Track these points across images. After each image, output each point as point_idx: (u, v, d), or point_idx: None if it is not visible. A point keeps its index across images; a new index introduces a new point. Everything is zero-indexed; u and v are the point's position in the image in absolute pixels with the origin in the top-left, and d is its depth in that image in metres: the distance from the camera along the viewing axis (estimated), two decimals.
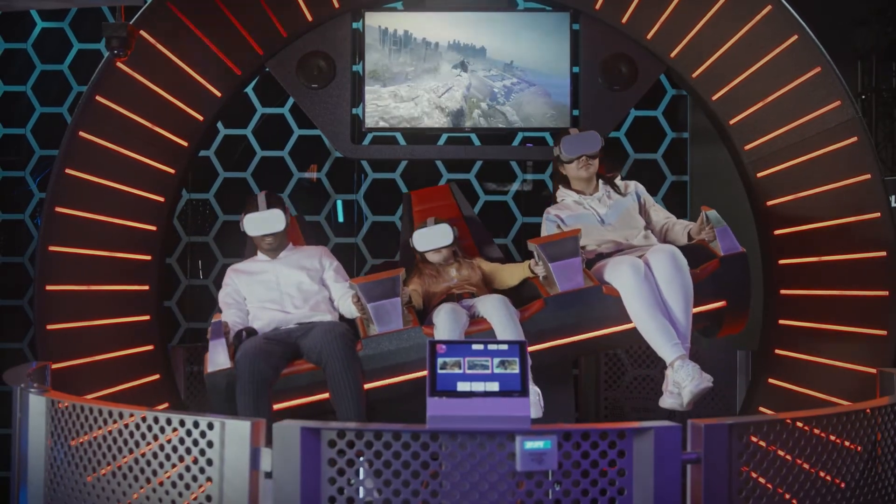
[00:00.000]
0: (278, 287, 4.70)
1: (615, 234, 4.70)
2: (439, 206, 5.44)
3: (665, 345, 4.14)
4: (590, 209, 4.80)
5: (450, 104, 5.78)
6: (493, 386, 3.08)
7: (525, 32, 5.77)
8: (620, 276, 4.26)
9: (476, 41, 5.78)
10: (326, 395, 4.24)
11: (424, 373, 4.12)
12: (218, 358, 4.26)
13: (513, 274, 4.74)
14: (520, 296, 4.61)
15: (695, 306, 4.27)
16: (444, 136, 6.78)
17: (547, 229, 4.81)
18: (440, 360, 3.12)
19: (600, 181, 4.89)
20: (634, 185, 4.94)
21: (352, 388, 4.14)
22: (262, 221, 4.72)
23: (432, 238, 4.82)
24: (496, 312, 4.26)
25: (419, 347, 4.25)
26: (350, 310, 4.57)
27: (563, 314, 4.32)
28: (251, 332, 4.47)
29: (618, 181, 4.96)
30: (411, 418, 3.20)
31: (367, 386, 4.25)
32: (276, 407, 4.21)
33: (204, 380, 4.30)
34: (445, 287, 4.72)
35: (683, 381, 4.05)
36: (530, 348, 4.19)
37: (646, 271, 4.25)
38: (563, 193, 4.92)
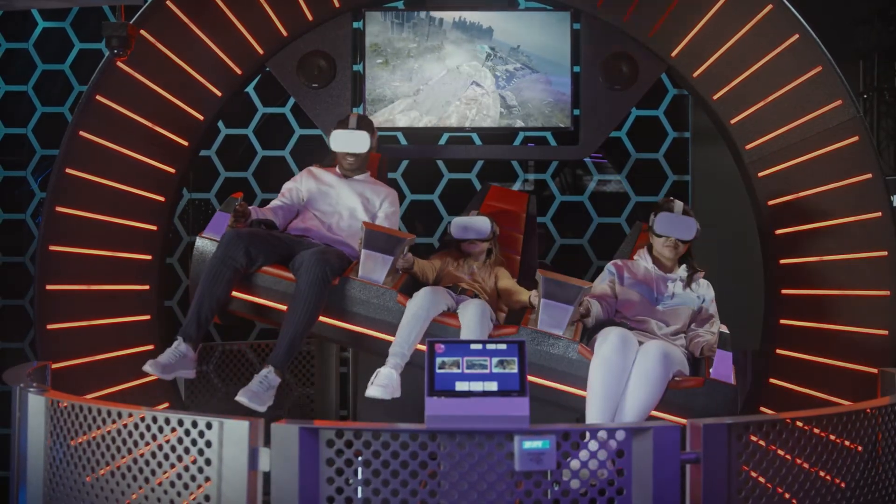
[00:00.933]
0: (335, 205, 4.79)
1: (661, 318, 4.44)
2: (510, 211, 5.42)
3: (595, 416, 3.87)
4: (652, 286, 4.53)
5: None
6: (492, 385, 3.08)
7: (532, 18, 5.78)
8: (604, 342, 4.02)
9: (483, 21, 5.75)
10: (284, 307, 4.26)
11: (378, 334, 4.24)
12: (214, 227, 4.37)
13: (520, 297, 4.66)
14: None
15: (655, 410, 3.95)
16: (446, 136, 6.78)
17: (601, 276, 4.64)
18: (438, 360, 3.12)
19: (683, 265, 4.61)
20: (707, 291, 4.60)
21: (307, 311, 4.13)
22: (349, 139, 4.83)
23: (469, 228, 4.85)
24: (469, 315, 4.19)
25: (384, 309, 4.25)
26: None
27: (530, 349, 4.09)
28: (270, 225, 4.59)
29: (699, 277, 4.61)
30: (406, 417, 3.20)
31: (322, 318, 4.26)
32: (236, 294, 4.28)
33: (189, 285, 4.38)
34: (458, 276, 4.74)
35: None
36: None
37: (630, 352, 3.98)
38: (641, 255, 4.67)
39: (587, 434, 3.03)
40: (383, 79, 5.74)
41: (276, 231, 4.63)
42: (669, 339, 4.36)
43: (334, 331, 4.36)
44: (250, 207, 4.55)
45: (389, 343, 4.15)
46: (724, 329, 4.13)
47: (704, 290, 4.59)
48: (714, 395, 3.91)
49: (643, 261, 4.64)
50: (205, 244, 4.34)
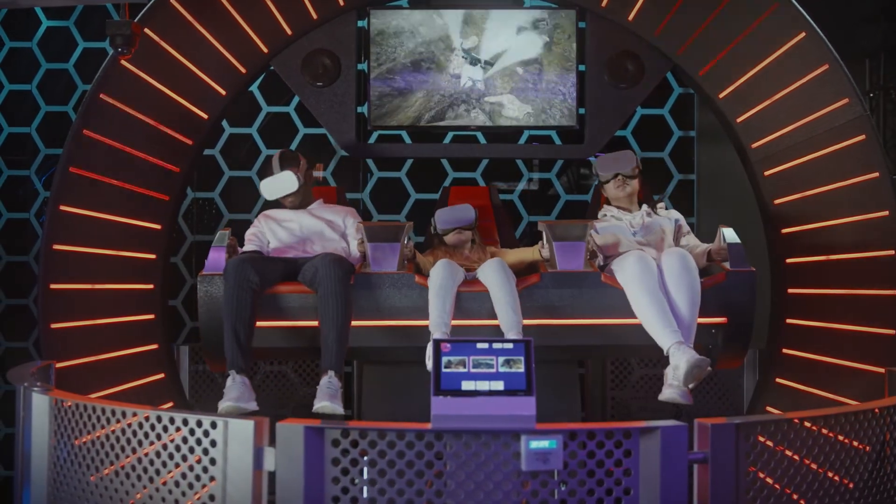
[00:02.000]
0: (301, 233, 4.82)
1: (644, 246, 4.71)
2: (477, 206, 5.40)
3: (662, 330, 4.09)
4: (624, 223, 4.85)
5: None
6: (498, 385, 3.07)
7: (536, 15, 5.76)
8: (624, 264, 4.28)
9: (488, 18, 5.73)
10: (313, 322, 4.28)
11: (410, 322, 4.29)
12: (214, 263, 4.38)
13: (521, 254, 4.77)
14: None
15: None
16: (450, 135, 6.76)
17: None
18: (445, 359, 3.10)
19: (644, 205, 4.96)
20: (676, 214, 4.99)
21: (340, 311, 4.15)
22: (275, 185, 4.83)
23: (453, 216, 4.87)
24: (492, 273, 4.27)
25: (408, 294, 4.30)
26: (356, 251, 4.66)
27: (557, 293, 4.32)
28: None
29: (661, 208, 4.99)
30: (412, 417, 3.18)
31: (353, 323, 4.28)
32: (260, 324, 4.27)
33: (200, 335, 4.39)
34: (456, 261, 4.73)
35: (679, 364, 3.98)
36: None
37: (652, 264, 4.25)
38: (606, 209, 5.01)
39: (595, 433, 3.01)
40: (388, 76, 5.72)
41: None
42: None
43: (371, 335, 4.37)
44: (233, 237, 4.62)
45: (422, 330, 4.19)
46: (727, 227, 4.50)
47: (674, 214, 4.97)
48: (739, 284, 4.33)
49: (609, 213, 4.96)
50: (209, 281, 4.34)
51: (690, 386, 3.99)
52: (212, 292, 4.32)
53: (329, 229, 4.84)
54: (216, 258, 4.40)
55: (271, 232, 4.85)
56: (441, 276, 4.24)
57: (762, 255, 5.48)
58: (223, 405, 3.97)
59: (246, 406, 3.99)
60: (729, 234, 4.47)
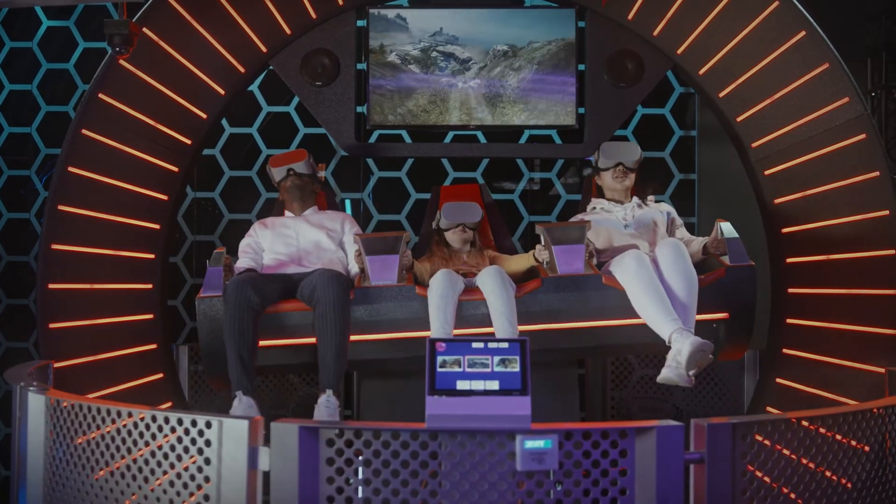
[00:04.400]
0: (297, 243, 4.77)
1: (636, 239, 4.71)
2: None
3: (663, 321, 4.07)
4: (615, 217, 4.85)
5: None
6: (493, 384, 3.06)
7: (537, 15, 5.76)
8: (622, 264, 4.27)
9: (488, 18, 5.71)
10: (313, 340, 4.25)
11: (411, 333, 4.24)
12: (212, 284, 4.32)
13: (519, 262, 4.75)
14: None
15: (696, 314, 4.21)
16: (451, 134, 6.75)
17: None
18: (440, 359, 3.09)
19: (635, 197, 4.96)
20: (667, 207, 4.99)
21: (338, 329, 4.14)
22: (286, 158, 4.88)
23: (462, 213, 4.86)
24: (490, 281, 4.25)
25: (409, 306, 4.27)
26: (354, 266, 4.64)
27: (559, 297, 4.29)
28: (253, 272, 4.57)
29: (651, 200, 5.00)
30: (410, 417, 3.17)
31: (353, 338, 4.25)
32: (262, 343, 4.25)
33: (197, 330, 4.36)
34: (453, 267, 4.71)
35: (681, 349, 3.94)
36: (521, 327, 4.20)
37: (648, 261, 4.25)
38: (595, 202, 5.00)
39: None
40: (387, 76, 5.71)
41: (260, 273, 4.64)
42: None
43: (373, 349, 4.35)
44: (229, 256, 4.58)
45: (424, 341, 4.14)
46: (724, 221, 4.48)
47: (665, 207, 4.96)
48: (739, 279, 4.31)
49: (598, 205, 4.95)
50: (206, 304, 4.29)
51: (692, 373, 3.94)
52: (211, 314, 4.27)
53: (327, 238, 4.79)
54: (213, 279, 4.34)
55: (267, 241, 4.81)
56: (441, 287, 4.22)
57: (763, 254, 5.46)
58: None
59: None
60: (727, 229, 4.45)
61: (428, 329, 4.17)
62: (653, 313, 4.12)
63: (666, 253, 4.28)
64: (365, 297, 4.29)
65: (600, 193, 5.06)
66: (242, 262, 4.71)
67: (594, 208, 4.97)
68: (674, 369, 3.97)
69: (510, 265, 4.75)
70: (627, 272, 4.23)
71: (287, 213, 5.01)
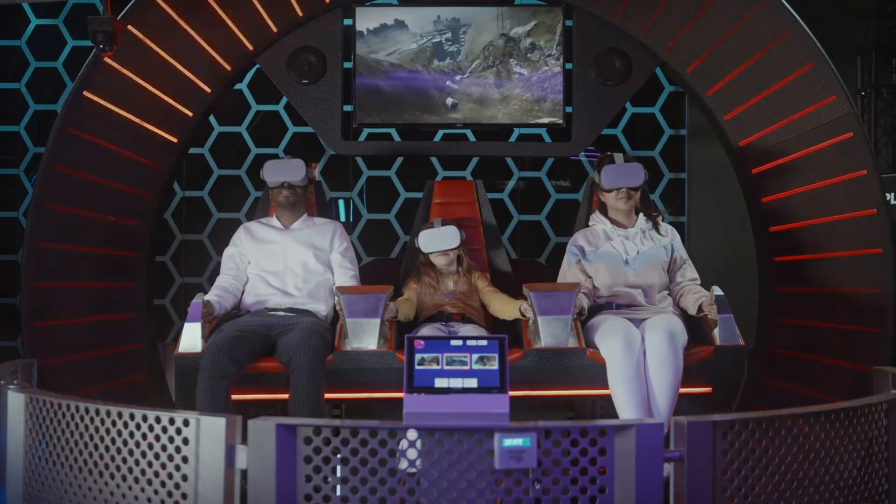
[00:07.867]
0: (284, 261, 4.66)
1: (635, 282, 4.49)
2: (460, 203, 5.37)
3: (635, 417, 3.94)
4: (617, 250, 4.57)
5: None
6: (472, 382, 3.04)
7: (525, 13, 5.73)
8: (610, 346, 4.08)
9: (476, 16, 5.69)
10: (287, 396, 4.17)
11: (390, 394, 4.17)
12: (190, 340, 4.23)
13: (504, 308, 4.61)
14: (515, 330, 4.53)
15: (680, 387, 4.08)
16: (440, 133, 6.74)
17: (567, 261, 4.63)
18: (418, 357, 3.08)
19: (641, 215, 4.68)
20: (672, 236, 4.68)
21: (310, 403, 4.04)
22: (283, 168, 4.71)
23: (438, 239, 4.73)
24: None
25: (388, 371, 4.20)
26: (336, 309, 4.51)
27: (541, 368, 4.21)
28: (234, 317, 4.46)
29: (659, 219, 4.71)
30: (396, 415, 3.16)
31: (332, 396, 4.21)
32: (235, 398, 4.17)
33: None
34: (439, 301, 4.65)
35: None
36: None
37: (637, 345, 4.06)
38: (596, 219, 4.72)
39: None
40: (375, 74, 5.69)
41: (243, 313, 4.54)
42: (658, 307, 4.43)
43: (353, 402, 4.34)
44: (208, 300, 4.39)
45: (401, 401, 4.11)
46: (719, 291, 4.29)
47: (670, 236, 4.66)
48: (725, 360, 4.23)
49: (600, 224, 4.68)
50: (184, 361, 4.19)
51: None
52: (188, 370, 4.19)
53: (314, 260, 4.67)
54: (191, 336, 4.24)
55: (253, 253, 4.69)
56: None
57: (751, 253, 5.45)
58: None
59: None
60: (721, 301, 4.27)
61: None
62: (627, 410, 3.98)
63: (656, 342, 4.05)
64: (345, 361, 4.24)
65: (602, 209, 4.76)
66: (222, 281, 4.61)
67: (594, 225, 4.71)
68: None
69: (496, 307, 4.66)
70: (612, 357, 4.06)
71: (275, 217, 4.85)
